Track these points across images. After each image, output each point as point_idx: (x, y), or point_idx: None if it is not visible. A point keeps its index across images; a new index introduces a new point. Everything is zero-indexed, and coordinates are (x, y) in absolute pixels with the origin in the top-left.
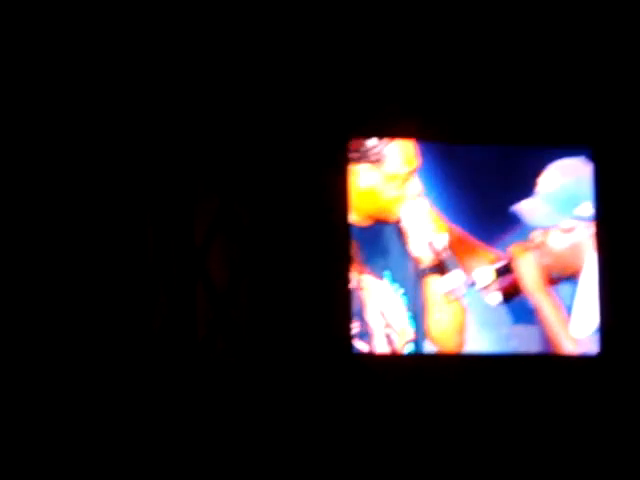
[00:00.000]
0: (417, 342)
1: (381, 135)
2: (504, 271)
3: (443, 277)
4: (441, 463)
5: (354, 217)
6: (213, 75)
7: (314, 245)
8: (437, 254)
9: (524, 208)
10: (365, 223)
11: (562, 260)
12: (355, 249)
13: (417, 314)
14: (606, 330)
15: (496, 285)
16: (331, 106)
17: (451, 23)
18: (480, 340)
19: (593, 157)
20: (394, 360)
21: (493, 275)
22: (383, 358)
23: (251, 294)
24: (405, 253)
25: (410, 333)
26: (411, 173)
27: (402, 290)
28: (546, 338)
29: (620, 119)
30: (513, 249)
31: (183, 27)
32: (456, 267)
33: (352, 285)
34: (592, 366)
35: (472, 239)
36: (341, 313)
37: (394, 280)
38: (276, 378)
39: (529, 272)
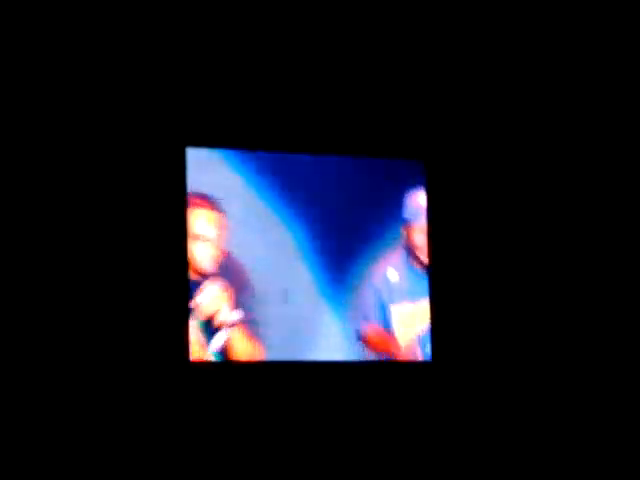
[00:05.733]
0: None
1: (216, 145)
2: None
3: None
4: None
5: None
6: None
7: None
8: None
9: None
10: None
11: None
12: None
13: None
14: (436, 339)
15: None
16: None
17: (281, 36)
18: None
19: (425, 169)
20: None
21: None
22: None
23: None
24: None
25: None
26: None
27: None
28: None
29: (451, 135)
30: None
31: None
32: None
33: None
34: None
35: None
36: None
37: None
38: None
39: None
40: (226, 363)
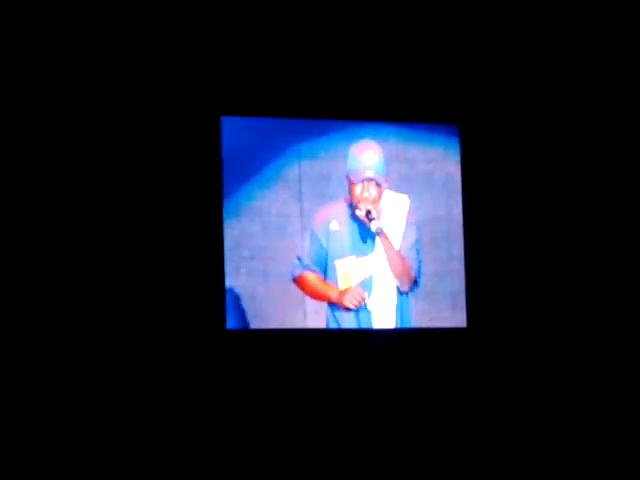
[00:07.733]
0: None
1: (250, 114)
2: None
3: None
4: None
5: None
6: None
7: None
8: None
9: None
10: None
11: None
12: None
13: None
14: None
15: None
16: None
17: (316, 3)
18: None
19: (460, 135)
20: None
21: None
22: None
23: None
24: None
25: None
26: None
27: None
28: None
29: (487, 101)
30: None
31: None
32: None
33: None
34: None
35: None
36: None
37: None
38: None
39: None
40: (260, 331)
